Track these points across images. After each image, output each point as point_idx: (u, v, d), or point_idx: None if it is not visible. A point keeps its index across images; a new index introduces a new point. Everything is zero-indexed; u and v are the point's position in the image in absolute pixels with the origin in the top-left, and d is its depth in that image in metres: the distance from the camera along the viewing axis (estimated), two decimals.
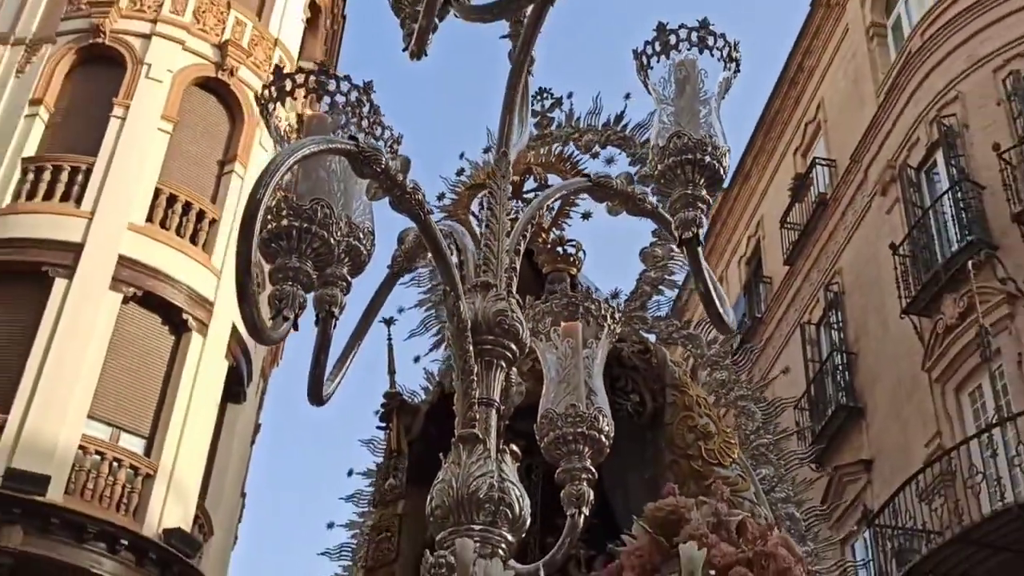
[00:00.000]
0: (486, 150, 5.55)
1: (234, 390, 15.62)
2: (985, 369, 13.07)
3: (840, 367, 16.03)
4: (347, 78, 2.11)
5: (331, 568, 5.93)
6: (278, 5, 17.69)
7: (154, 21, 15.95)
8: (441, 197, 5.63)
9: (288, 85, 2.10)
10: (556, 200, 2.59)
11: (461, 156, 5.74)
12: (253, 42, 16.74)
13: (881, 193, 16.09)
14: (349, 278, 2.13)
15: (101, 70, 15.65)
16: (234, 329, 15.15)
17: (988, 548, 11.63)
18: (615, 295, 5.46)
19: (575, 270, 5.29)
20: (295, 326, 1.92)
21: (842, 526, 15.32)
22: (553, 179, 5.55)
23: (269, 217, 1.96)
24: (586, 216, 5.60)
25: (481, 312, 2.09)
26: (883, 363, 15.20)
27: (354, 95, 2.10)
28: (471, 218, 5.50)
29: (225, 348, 15.08)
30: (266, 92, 2.12)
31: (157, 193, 14.81)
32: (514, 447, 2.05)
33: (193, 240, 14.95)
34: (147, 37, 15.80)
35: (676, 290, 6.18)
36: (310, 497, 44.49)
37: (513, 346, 2.13)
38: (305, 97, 2.11)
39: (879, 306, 15.51)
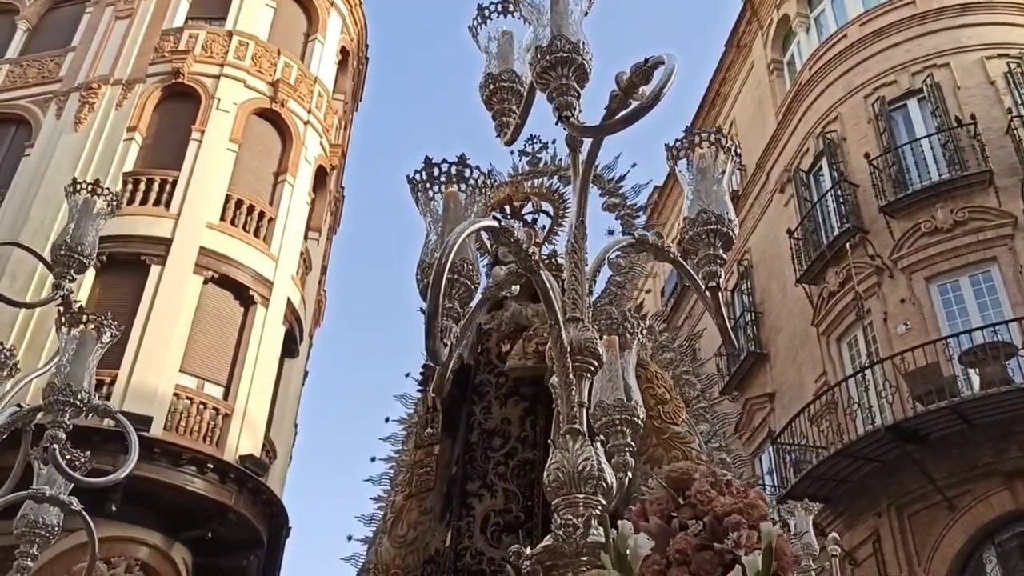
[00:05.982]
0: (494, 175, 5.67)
1: (289, 348, 15.52)
2: (859, 324, 13.30)
3: (750, 323, 16.17)
4: (478, 167, 2.08)
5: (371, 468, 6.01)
6: (316, 51, 17.38)
7: (221, 65, 15.72)
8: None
9: (436, 172, 2.06)
10: (608, 253, 2.58)
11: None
12: (298, 80, 16.48)
13: (780, 191, 16.23)
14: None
15: (181, 103, 15.39)
16: (288, 301, 15.14)
17: (861, 459, 11.78)
18: (589, 294, 5.56)
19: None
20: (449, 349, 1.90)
21: (752, 443, 15.58)
22: (545, 206, 5.64)
23: (425, 272, 1.97)
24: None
25: (574, 339, 2.12)
26: (782, 320, 15.35)
27: (480, 178, 2.08)
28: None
29: (282, 316, 14.94)
30: (416, 176, 2.07)
31: (227, 198, 14.65)
32: (601, 437, 2.13)
33: (256, 234, 14.77)
34: (216, 78, 15.57)
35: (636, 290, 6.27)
36: (344, 423, 45.07)
37: (595, 363, 2.14)
38: (448, 181, 2.05)
39: (779, 276, 15.64)
